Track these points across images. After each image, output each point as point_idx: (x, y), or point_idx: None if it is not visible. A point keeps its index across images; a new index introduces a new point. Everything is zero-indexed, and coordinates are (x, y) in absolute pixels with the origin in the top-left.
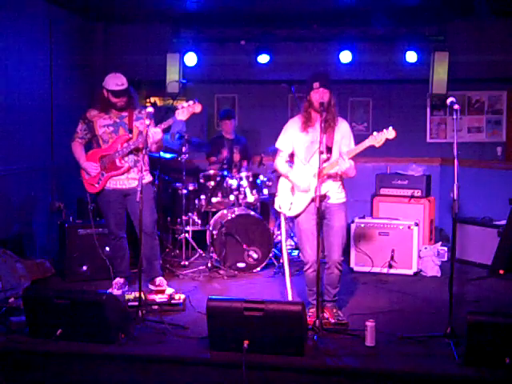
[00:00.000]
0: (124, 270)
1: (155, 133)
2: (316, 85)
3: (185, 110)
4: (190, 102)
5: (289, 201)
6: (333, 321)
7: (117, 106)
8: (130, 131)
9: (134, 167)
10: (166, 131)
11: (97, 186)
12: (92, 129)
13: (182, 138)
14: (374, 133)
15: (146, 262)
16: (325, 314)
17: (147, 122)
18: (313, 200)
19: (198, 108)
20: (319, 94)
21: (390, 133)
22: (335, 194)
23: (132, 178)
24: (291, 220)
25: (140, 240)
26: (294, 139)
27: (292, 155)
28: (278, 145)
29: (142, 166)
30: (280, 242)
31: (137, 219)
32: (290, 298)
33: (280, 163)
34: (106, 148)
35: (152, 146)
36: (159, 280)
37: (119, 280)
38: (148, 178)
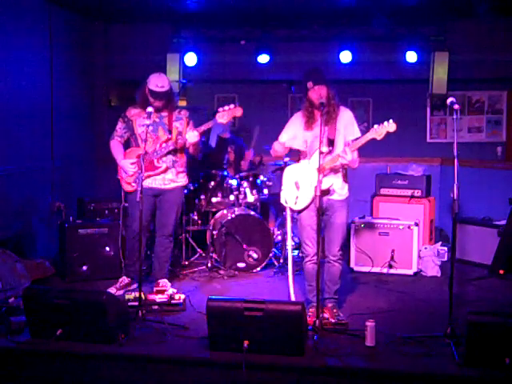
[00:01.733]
0: (134, 270)
1: (192, 136)
2: (310, 84)
3: (225, 113)
4: (232, 105)
5: (294, 195)
6: (333, 321)
7: (153, 106)
8: (170, 132)
9: (171, 168)
10: (204, 133)
11: (134, 185)
12: (131, 127)
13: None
14: (375, 126)
15: (157, 264)
16: (325, 314)
17: (147, 122)
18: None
19: (238, 112)
20: (316, 92)
21: (390, 126)
22: (338, 189)
23: (169, 178)
24: (292, 220)
25: (140, 241)
26: (298, 134)
27: (298, 153)
28: (280, 137)
29: (142, 166)
30: (280, 241)
31: (161, 221)
32: (292, 298)
33: (276, 144)
34: (145, 147)
35: (189, 147)
36: (163, 282)
37: (124, 279)
38: (183, 180)
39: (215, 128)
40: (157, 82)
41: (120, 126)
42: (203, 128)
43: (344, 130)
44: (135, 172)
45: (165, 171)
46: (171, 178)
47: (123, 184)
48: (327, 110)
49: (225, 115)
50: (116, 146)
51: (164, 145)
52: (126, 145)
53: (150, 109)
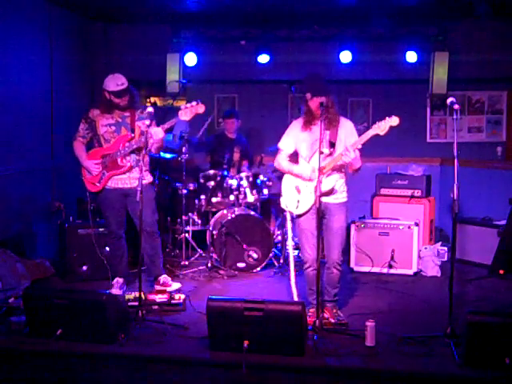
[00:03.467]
0: (123, 270)
1: (156, 132)
2: (308, 96)
3: (188, 110)
4: (194, 103)
5: (295, 199)
6: (333, 321)
7: (120, 106)
8: (132, 131)
9: (135, 167)
10: (168, 131)
11: (98, 184)
12: (94, 128)
13: (183, 138)
14: (378, 122)
15: (148, 261)
16: (325, 314)
17: (147, 122)
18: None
19: (201, 109)
20: (314, 103)
21: (393, 120)
22: (337, 192)
23: (134, 177)
24: (291, 220)
25: (140, 240)
26: (297, 139)
27: (295, 154)
28: (279, 144)
29: (142, 165)
30: (280, 242)
31: (137, 219)
32: (295, 298)
33: (281, 160)
34: (108, 147)
35: (153, 146)
36: (163, 278)
37: (119, 280)
38: (148, 178)
39: (178, 125)
40: (116, 82)
41: (82, 126)
42: (167, 126)
43: (345, 138)
44: (99, 172)
45: (129, 170)
46: (136, 177)
47: (87, 184)
48: (327, 115)
49: (187, 112)
50: (79, 147)
51: (127, 144)
52: (90, 146)
53: (150, 109)
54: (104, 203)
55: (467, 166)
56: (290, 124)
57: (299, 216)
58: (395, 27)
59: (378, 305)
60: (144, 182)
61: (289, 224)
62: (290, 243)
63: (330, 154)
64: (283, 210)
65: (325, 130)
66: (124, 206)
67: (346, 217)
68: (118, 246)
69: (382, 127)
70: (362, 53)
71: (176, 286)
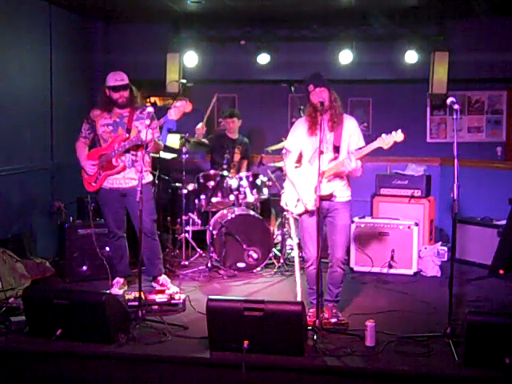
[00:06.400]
0: (123, 270)
1: (145, 133)
2: (311, 87)
3: (176, 109)
4: (183, 102)
5: (295, 199)
6: (333, 321)
7: (118, 103)
8: (128, 131)
9: (131, 167)
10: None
11: (94, 184)
12: (94, 128)
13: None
14: (383, 135)
15: (147, 262)
16: (325, 314)
17: (147, 121)
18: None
19: (188, 107)
20: (317, 95)
21: (398, 135)
22: (340, 192)
23: (129, 177)
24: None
25: (140, 240)
26: (302, 141)
27: (300, 155)
28: (286, 145)
29: (142, 165)
30: (280, 242)
31: (136, 219)
32: (299, 298)
33: (289, 166)
34: (106, 147)
35: (148, 146)
36: (162, 279)
37: (119, 280)
38: (148, 178)
39: (166, 124)
40: (115, 77)
41: (84, 127)
42: (154, 126)
43: (349, 138)
44: (95, 172)
45: (123, 170)
46: (132, 177)
47: (85, 184)
48: (331, 113)
49: (176, 112)
50: (80, 147)
51: (122, 143)
52: (93, 146)
53: (150, 109)
54: (102, 203)
55: (467, 166)
56: (292, 124)
57: (301, 215)
58: (395, 27)
59: (378, 305)
60: (143, 181)
61: (292, 223)
62: (294, 240)
63: (334, 158)
64: (283, 210)
65: (329, 132)
66: (123, 206)
67: (350, 215)
68: (118, 246)
69: (386, 141)
70: (361, 53)
71: (174, 289)
